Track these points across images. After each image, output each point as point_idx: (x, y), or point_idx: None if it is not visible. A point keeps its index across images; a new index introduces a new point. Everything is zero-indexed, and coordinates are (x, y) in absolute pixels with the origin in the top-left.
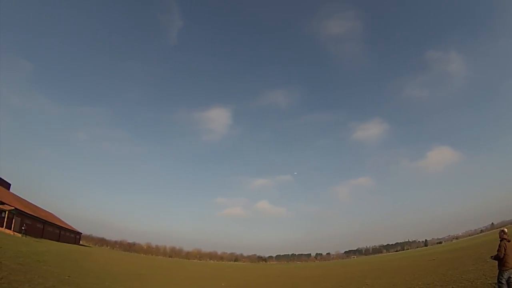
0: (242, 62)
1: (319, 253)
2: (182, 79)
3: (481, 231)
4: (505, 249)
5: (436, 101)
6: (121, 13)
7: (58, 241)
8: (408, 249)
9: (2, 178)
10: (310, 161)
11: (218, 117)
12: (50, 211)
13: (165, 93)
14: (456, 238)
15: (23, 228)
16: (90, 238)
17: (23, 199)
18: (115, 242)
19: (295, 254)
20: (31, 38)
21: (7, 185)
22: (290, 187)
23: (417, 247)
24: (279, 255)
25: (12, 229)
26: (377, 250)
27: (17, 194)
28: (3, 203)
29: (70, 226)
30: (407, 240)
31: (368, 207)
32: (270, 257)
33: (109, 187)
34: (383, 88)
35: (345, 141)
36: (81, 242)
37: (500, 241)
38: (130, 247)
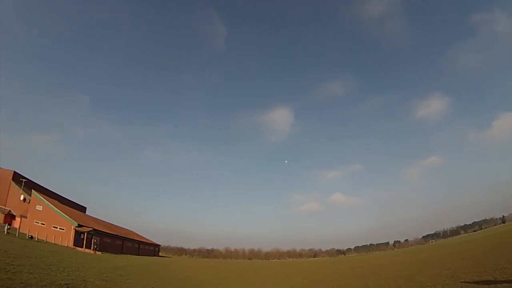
0: (291, 59)
1: (397, 241)
2: (236, 85)
3: None
4: None
5: (491, 65)
6: (166, 28)
7: (137, 255)
8: (486, 227)
9: (78, 203)
10: (377, 146)
11: (280, 117)
12: (129, 228)
13: (223, 100)
14: None
15: (95, 245)
16: (168, 249)
17: (101, 220)
18: (194, 250)
19: (373, 244)
20: (87, 74)
21: (83, 209)
22: (361, 176)
23: (495, 225)
24: (358, 246)
25: (92, 248)
26: (455, 231)
27: (94, 216)
28: (81, 226)
29: (149, 240)
30: (484, 219)
31: (440, 187)
32: (349, 249)
33: (182, 198)
34: (436, 61)
35: (408, 121)
36: (160, 254)
37: None
38: (209, 253)
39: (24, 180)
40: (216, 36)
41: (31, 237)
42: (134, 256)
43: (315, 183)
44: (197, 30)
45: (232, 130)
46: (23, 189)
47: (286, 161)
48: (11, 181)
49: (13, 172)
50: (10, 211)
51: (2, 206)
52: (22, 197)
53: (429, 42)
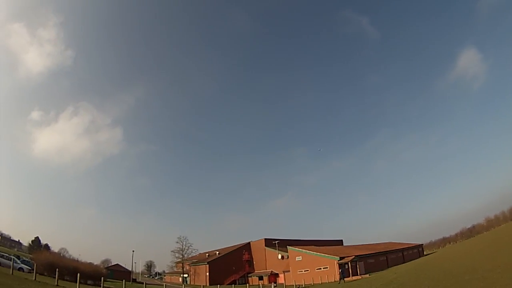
0: None
1: None
2: None
3: None
4: None
5: None
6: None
7: (403, 262)
8: None
9: (333, 239)
10: None
11: None
12: (391, 241)
13: None
14: None
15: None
16: (431, 245)
17: (360, 245)
18: (456, 235)
19: None
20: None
21: (339, 242)
22: None
23: None
24: None
25: (359, 274)
26: None
27: (352, 244)
28: (342, 258)
29: (410, 243)
30: None
31: None
32: None
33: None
34: None
35: None
36: (425, 252)
37: None
38: (470, 232)
39: (276, 242)
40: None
41: (298, 286)
42: (400, 265)
43: None
44: None
45: None
46: (278, 249)
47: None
48: (265, 247)
49: (264, 239)
50: (272, 271)
51: (263, 270)
52: (279, 256)
53: None
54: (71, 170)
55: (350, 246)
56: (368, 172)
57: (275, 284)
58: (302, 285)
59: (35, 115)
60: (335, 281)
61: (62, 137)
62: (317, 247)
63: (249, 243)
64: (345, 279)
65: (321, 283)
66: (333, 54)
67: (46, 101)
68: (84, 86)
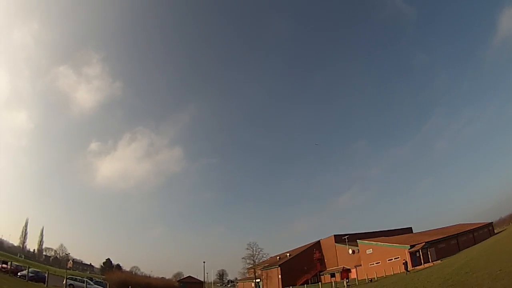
0: None
1: None
2: None
3: None
4: None
5: None
6: None
7: (474, 244)
8: None
9: (401, 227)
10: None
11: None
12: (460, 223)
13: None
14: None
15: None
16: (501, 222)
17: (429, 231)
18: None
19: None
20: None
21: (409, 230)
22: None
23: None
24: None
25: (430, 260)
26: None
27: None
28: (413, 246)
29: (479, 223)
30: None
31: None
32: None
33: None
34: None
35: None
36: (495, 231)
37: None
38: None
39: (345, 237)
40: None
41: (371, 280)
42: (471, 247)
43: None
44: None
45: None
46: (348, 244)
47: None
48: (335, 244)
49: (333, 236)
50: (343, 267)
51: (335, 267)
52: (350, 251)
53: None
54: (136, 192)
55: (420, 232)
56: (429, 155)
57: (347, 280)
58: (375, 278)
59: (94, 146)
60: (401, 272)
61: (123, 163)
62: (387, 237)
63: (319, 241)
64: (417, 267)
65: (393, 273)
66: (374, 41)
67: (103, 132)
68: (137, 112)
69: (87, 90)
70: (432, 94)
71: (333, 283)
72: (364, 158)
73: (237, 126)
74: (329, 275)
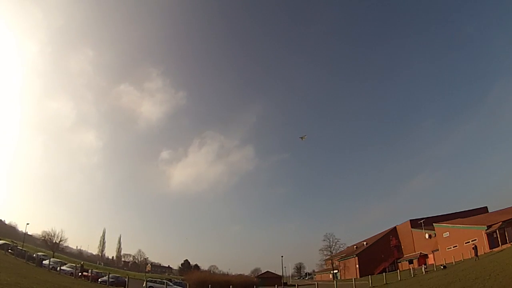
0: None
1: None
2: None
3: None
4: None
5: None
6: None
7: None
8: None
9: (476, 208)
10: None
11: None
12: None
13: None
14: None
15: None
16: None
17: (506, 209)
18: None
19: None
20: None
21: (484, 210)
22: None
23: None
24: None
25: (507, 241)
26: None
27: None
28: (489, 226)
29: None
30: None
31: None
32: None
33: None
34: None
35: None
36: None
37: None
38: None
39: (421, 221)
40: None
41: (444, 266)
42: None
43: None
44: None
45: None
46: (424, 229)
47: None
48: (411, 229)
49: (409, 221)
50: (420, 253)
51: (412, 253)
52: (426, 236)
53: None
54: (210, 194)
55: (496, 211)
56: (499, 126)
57: (425, 266)
58: (452, 262)
59: (165, 155)
60: (471, 257)
61: (195, 168)
62: (462, 219)
63: (395, 227)
64: (494, 249)
65: (471, 257)
66: (423, 17)
67: (172, 141)
68: (204, 117)
69: (151, 104)
70: (490, 63)
71: (411, 270)
72: (433, 137)
73: (303, 118)
74: (407, 262)
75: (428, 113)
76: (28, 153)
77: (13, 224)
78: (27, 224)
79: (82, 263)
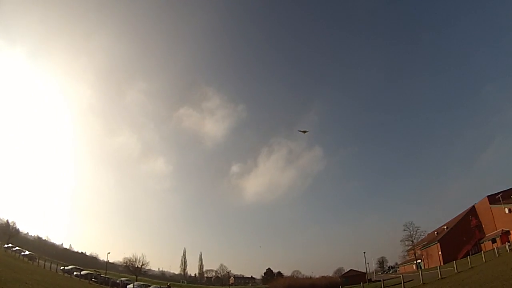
0: None
1: None
2: None
3: None
4: None
5: None
6: None
7: None
8: None
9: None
10: None
11: None
12: None
13: None
14: None
15: None
16: None
17: None
18: None
19: None
20: None
21: None
22: None
23: None
24: None
25: None
26: None
27: None
28: None
29: None
30: None
31: None
32: None
33: None
34: None
35: None
36: None
37: None
38: None
39: (499, 195)
40: None
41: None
42: None
43: None
44: None
45: None
46: (503, 203)
47: None
48: (489, 205)
49: (486, 197)
50: (502, 230)
51: (494, 232)
52: (506, 210)
53: None
54: (285, 199)
55: None
56: None
57: (508, 243)
58: None
59: (235, 168)
60: None
61: (267, 176)
62: None
63: (473, 206)
64: None
65: None
66: None
67: (240, 154)
68: (267, 126)
69: (213, 122)
70: None
71: (495, 250)
72: (497, 103)
73: (366, 109)
74: (490, 242)
75: (486, 78)
76: (102, 186)
77: (94, 254)
78: (108, 253)
79: (168, 284)
